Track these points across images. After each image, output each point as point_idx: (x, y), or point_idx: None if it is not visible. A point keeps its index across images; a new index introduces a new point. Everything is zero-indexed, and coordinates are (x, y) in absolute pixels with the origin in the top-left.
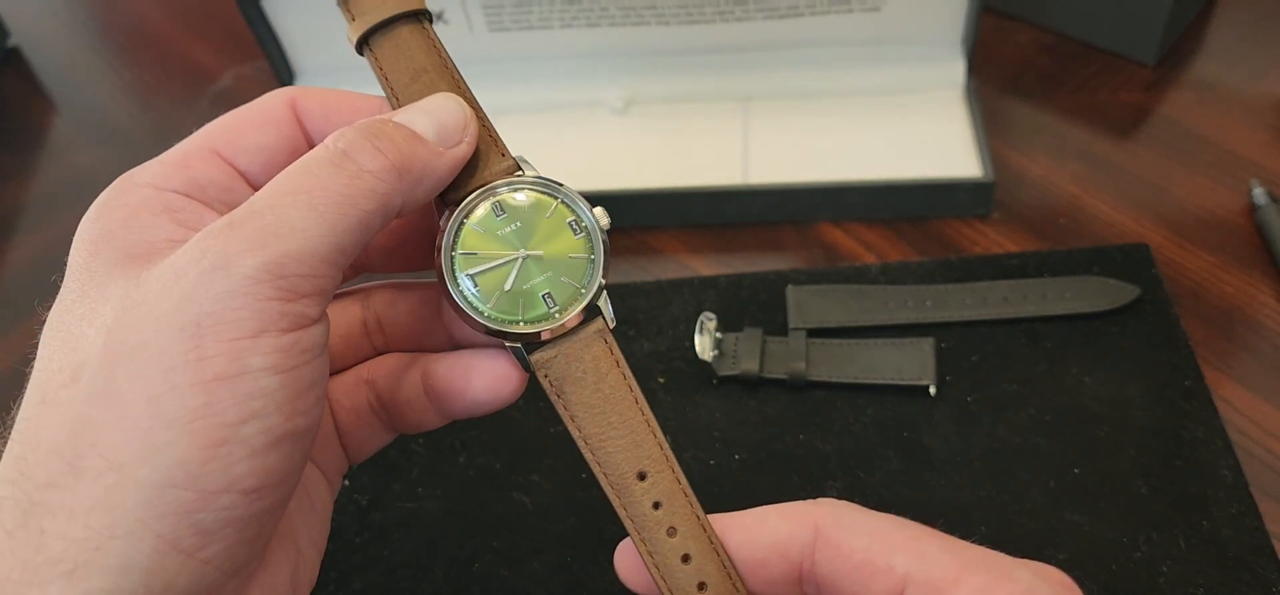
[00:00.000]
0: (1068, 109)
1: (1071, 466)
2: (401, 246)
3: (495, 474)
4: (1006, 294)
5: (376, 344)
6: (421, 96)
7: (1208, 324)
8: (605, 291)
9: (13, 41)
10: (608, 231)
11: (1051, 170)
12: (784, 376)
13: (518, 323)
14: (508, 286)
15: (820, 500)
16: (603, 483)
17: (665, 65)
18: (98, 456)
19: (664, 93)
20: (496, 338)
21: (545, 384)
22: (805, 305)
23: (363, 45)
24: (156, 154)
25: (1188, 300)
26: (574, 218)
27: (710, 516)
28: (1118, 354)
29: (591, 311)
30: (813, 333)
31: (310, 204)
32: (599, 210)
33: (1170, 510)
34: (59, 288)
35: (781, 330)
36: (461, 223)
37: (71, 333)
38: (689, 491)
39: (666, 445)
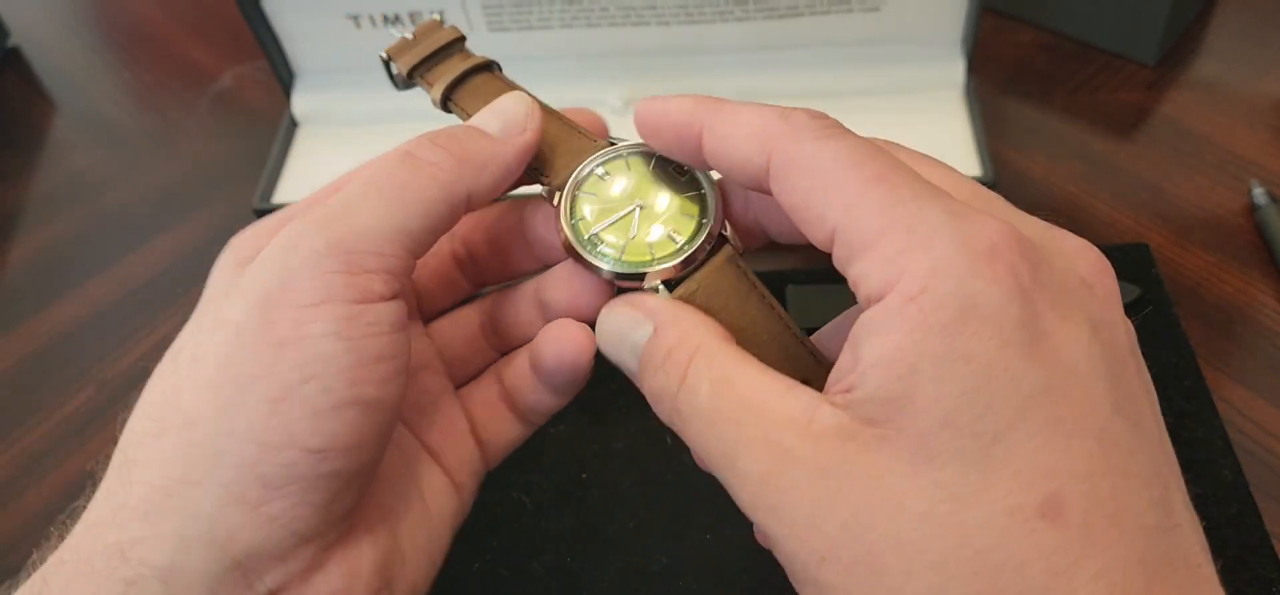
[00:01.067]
0: (1067, 109)
1: None
2: (511, 251)
3: (495, 473)
4: None
5: (495, 346)
6: None
7: (1208, 324)
8: (727, 222)
9: (13, 41)
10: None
11: (1051, 170)
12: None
13: (651, 263)
14: (632, 235)
15: (788, 114)
16: None
17: (665, 65)
18: (178, 413)
19: (664, 93)
20: (633, 283)
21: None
22: (806, 305)
23: (446, 102)
24: (155, 155)
25: (1187, 300)
26: (676, 165)
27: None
28: None
29: (718, 241)
30: (813, 332)
31: (375, 189)
32: (715, 174)
33: None
34: (58, 285)
35: None
36: (574, 195)
37: (189, 327)
38: None
39: (816, 350)
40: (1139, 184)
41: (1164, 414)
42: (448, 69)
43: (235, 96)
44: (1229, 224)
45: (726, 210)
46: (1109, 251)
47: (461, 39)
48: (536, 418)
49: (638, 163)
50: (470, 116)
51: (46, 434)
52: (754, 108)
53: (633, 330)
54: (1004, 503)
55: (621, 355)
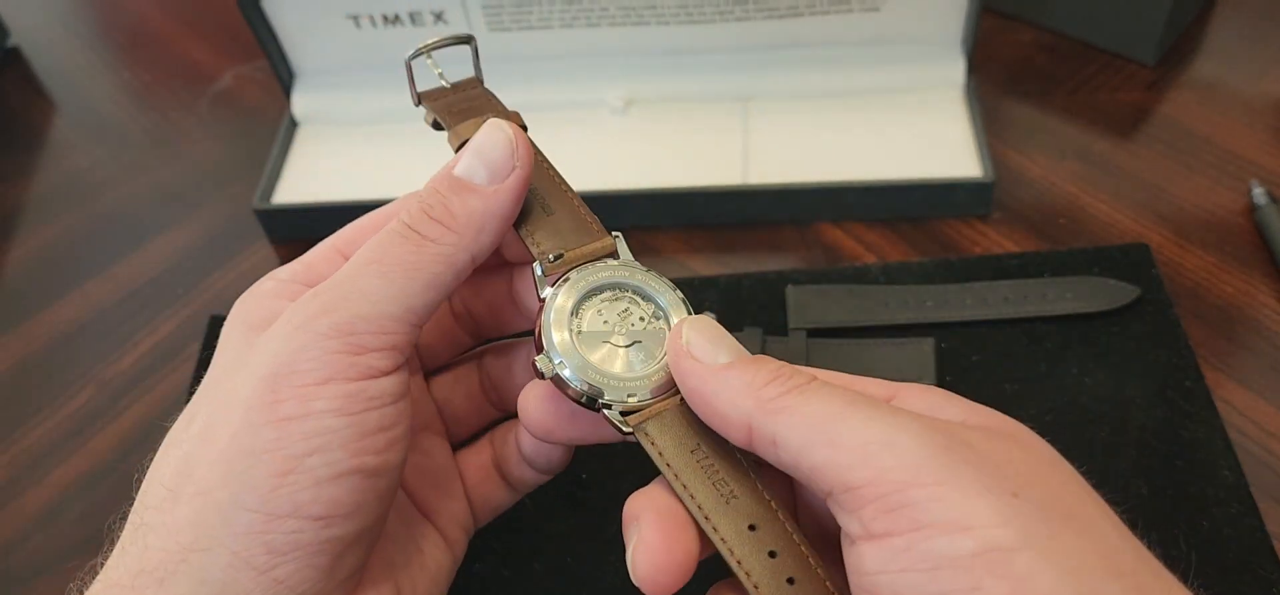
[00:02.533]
0: (1068, 109)
1: None
2: (506, 311)
3: None
4: (1007, 294)
5: (494, 404)
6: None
7: (1208, 324)
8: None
9: (13, 41)
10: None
11: (1051, 170)
12: None
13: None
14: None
15: (811, 390)
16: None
17: (665, 65)
18: (191, 483)
19: (664, 93)
20: (589, 407)
21: (644, 443)
22: (805, 305)
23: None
24: (155, 155)
25: (1188, 300)
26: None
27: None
28: (1118, 354)
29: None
30: (813, 333)
31: (380, 272)
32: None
33: (1170, 510)
34: (58, 285)
35: (781, 330)
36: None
37: (201, 393)
38: (805, 547)
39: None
40: (1139, 184)
41: (1165, 414)
42: (471, 125)
43: (235, 96)
44: (1229, 224)
45: None
46: (1109, 251)
47: (493, 99)
48: (524, 488)
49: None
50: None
51: (46, 434)
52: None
53: (731, 341)
54: None
55: (717, 348)
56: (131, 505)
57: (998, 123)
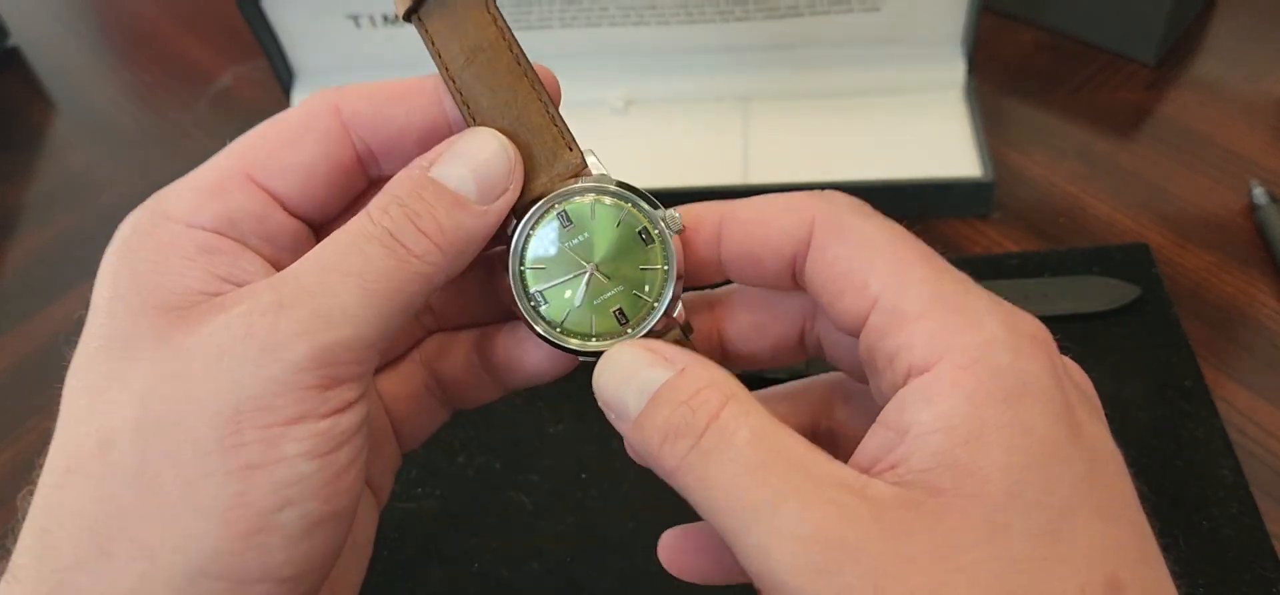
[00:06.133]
0: (1068, 108)
1: None
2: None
3: (494, 474)
4: (1006, 294)
5: (427, 325)
6: (477, 81)
7: (1208, 324)
8: (681, 302)
9: (12, 41)
10: (681, 233)
11: (1051, 170)
12: (784, 375)
13: (590, 339)
14: (577, 302)
15: (825, 194)
16: None
17: (665, 65)
18: (128, 541)
19: (664, 93)
20: (567, 353)
21: None
22: None
23: (412, 14)
24: (155, 155)
25: (1188, 300)
26: (645, 225)
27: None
28: (1118, 354)
29: (669, 326)
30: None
31: (362, 287)
32: (672, 213)
33: (1170, 510)
34: (58, 285)
35: None
36: (527, 236)
37: (98, 392)
38: None
39: None
40: (1139, 184)
41: (1164, 414)
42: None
43: (235, 96)
44: (1229, 224)
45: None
46: (1109, 251)
47: None
48: (473, 405)
49: (608, 208)
50: (440, 54)
51: (45, 435)
52: (776, 195)
53: (646, 371)
54: (1074, 578)
55: (623, 394)
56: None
57: (998, 122)
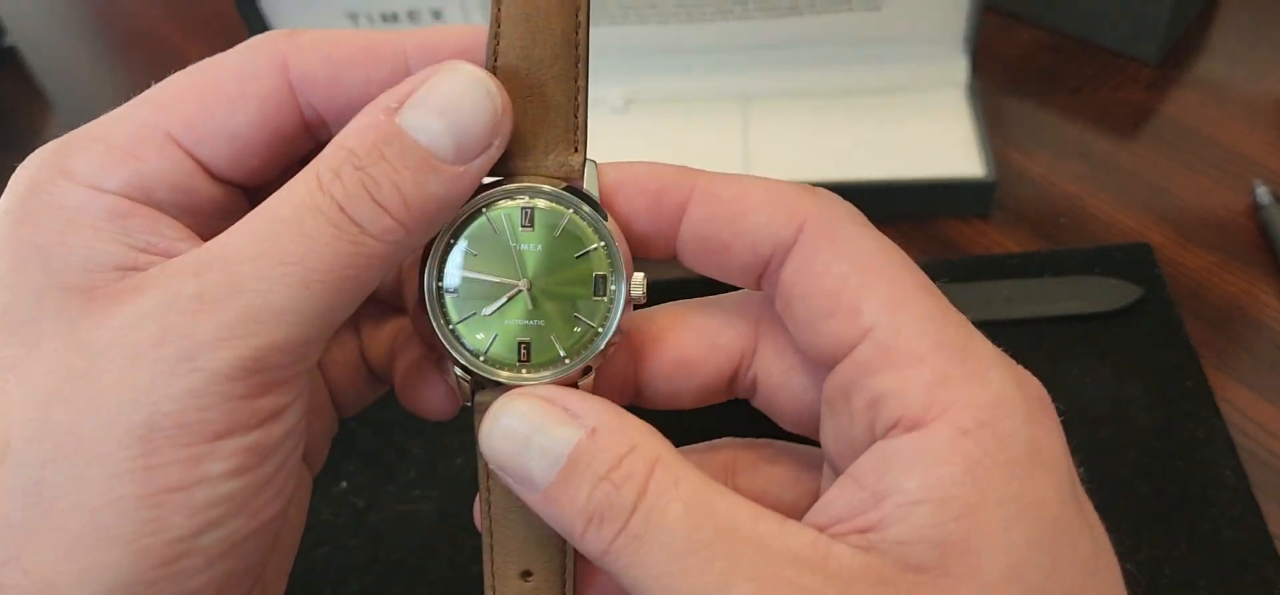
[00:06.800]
0: (1069, 108)
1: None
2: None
3: None
4: (1008, 294)
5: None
6: (522, 22)
7: (1210, 325)
8: (592, 373)
9: (9, 41)
10: (638, 306)
11: (1053, 170)
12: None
13: (477, 358)
14: (489, 311)
15: (818, 192)
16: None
17: (665, 65)
18: (21, 571)
19: (664, 93)
20: (444, 353)
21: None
22: None
23: None
24: None
25: (1190, 301)
26: (604, 274)
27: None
28: (1119, 354)
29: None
30: None
31: (302, 280)
32: (639, 277)
33: (1172, 512)
34: None
35: None
36: (480, 210)
37: None
38: None
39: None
40: (1141, 183)
41: (1166, 414)
42: None
43: None
44: (1231, 224)
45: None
46: (1110, 251)
47: None
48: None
49: (578, 234)
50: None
51: None
52: (762, 178)
53: (548, 431)
54: None
55: (524, 461)
56: None
57: (999, 122)
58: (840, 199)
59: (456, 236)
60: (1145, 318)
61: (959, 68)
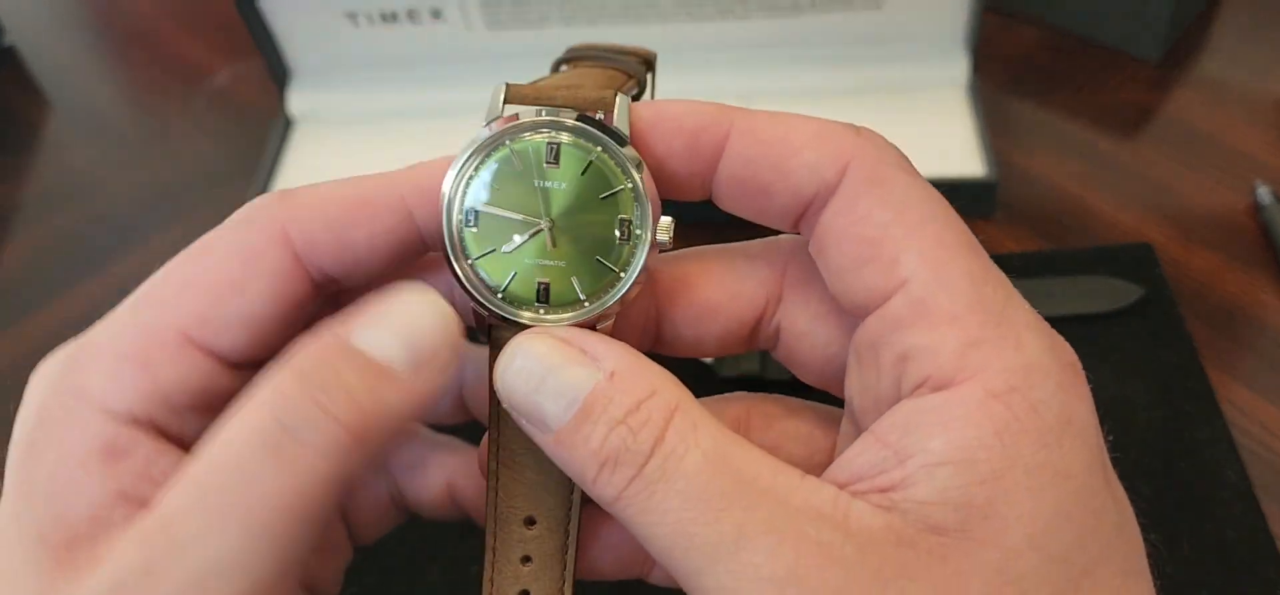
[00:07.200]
0: (1071, 107)
1: None
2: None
3: None
4: None
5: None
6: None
7: (1212, 324)
8: (612, 318)
9: (8, 40)
10: (664, 250)
11: (1054, 169)
12: (785, 377)
13: (495, 295)
14: (508, 248)
15: (863, 131)
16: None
17: (665, 64)
18: None
19: (664, 92)
20: (463, 289)
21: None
22: None
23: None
24: (151, 154)
25: (1192, 300)
26: (629, 217)
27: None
28: (1121, 354)
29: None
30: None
31: (245, 526)
32: (666, 221)
33: (1174, 512)
34: (54, 284)
35: None
36: (504, 141)
37: None
38: (569, 562)
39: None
40: (1142, 183)
41: (1168, 415)
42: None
43: (231, 95)
44: (1233, 224)
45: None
46: (1112, 251)
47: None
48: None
49: (606, 172)
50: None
51: None
52: (805, 116)
53: (565, 371)
54: None
55: (538, 400)
56: None
57: (1000, 121)
58: (885, 139)
59: (479, 168)
60: (1147, 318)
61: (960, 67)
